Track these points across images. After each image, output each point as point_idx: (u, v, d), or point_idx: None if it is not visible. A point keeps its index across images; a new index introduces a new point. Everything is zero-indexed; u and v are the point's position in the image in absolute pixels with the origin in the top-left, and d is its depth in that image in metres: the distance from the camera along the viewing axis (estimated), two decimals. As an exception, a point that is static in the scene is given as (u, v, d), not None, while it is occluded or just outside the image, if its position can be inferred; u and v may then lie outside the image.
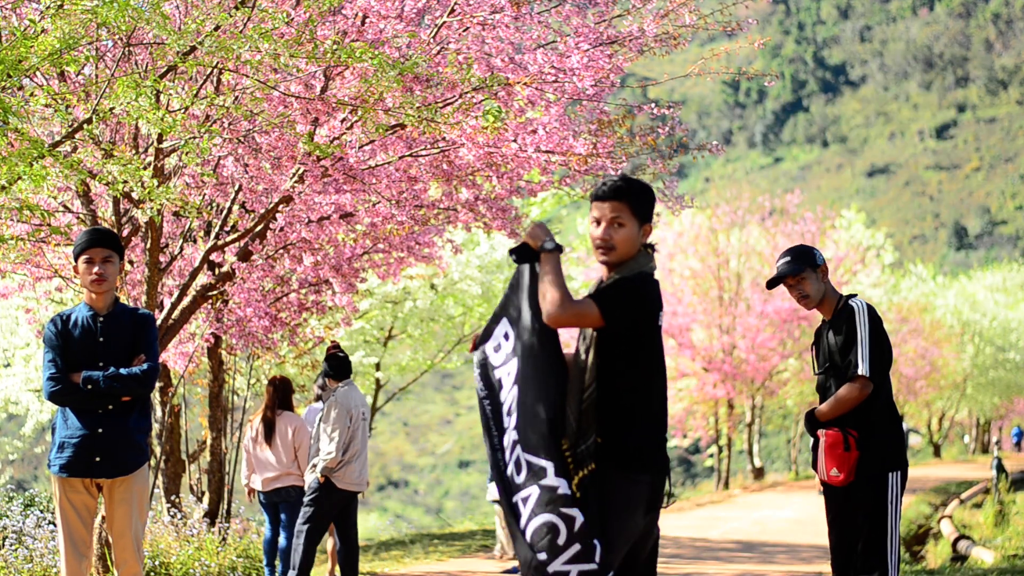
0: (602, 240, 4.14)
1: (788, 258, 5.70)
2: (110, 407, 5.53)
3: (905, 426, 36.70)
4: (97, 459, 5.52)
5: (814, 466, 5.67)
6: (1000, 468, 20.72)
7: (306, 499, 8.35)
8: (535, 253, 4.16)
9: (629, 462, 4.04)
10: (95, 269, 5.56)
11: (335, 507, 8.35)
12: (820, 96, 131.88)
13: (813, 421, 5.63)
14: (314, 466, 8.36)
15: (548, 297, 4.03)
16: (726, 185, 36.94)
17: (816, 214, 29.74)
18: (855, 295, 5.66)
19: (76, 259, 5.61)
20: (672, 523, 16.70)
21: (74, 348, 5.54)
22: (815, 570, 11.67)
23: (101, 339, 5.57)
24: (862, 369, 5.43)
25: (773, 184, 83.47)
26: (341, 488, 8.28)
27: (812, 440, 5.70)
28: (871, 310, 5.55)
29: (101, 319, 5.61)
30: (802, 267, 5.64)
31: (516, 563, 11.12)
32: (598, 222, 4.16)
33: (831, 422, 5.55)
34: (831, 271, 29.44)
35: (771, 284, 5.67)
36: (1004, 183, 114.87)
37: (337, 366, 8.55)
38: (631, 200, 4.16)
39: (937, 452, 45.68)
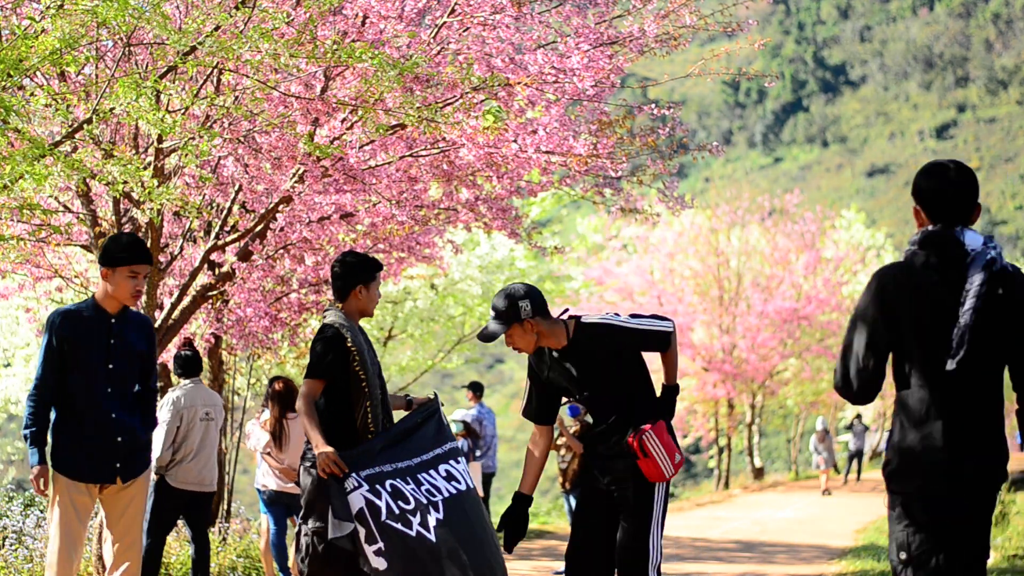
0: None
1: (494, 313, 5.27)
2: (113, 415, 5.52)
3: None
4: (117, 464, 5.54)
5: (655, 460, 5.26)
6: (1000, 468, 20.72)
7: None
8: None
9: None
10: (137, 285, 5.54)
11: (171, 505, 8.17)
12: (820, 96, 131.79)
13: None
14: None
15: None
16: (726, 185, 36.97)
17: (816, 214, 29.75)
18: (579, 316, 5.30)
19: (115, 265, 5.52)
20: (672, 523, 16.68)
21: (83, 347, 5.52)
22: (815, 570, 11.67)
23: (112, 341, 5.56)
24: (669, 327, 5.30)
25: (773, 184, 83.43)
26: (177, 487, 8.12)
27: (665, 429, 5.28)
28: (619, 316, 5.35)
29: (113, 319, 5.60)
30: (507, 325, 5.23)
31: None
32: None
33: (642, 411, 5.28)
34: (831, 270, 29.43)
35: (484, 339, 5.27)
36: (1004, 183, 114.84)
37: (184, 365, 8.31)
38: None
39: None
